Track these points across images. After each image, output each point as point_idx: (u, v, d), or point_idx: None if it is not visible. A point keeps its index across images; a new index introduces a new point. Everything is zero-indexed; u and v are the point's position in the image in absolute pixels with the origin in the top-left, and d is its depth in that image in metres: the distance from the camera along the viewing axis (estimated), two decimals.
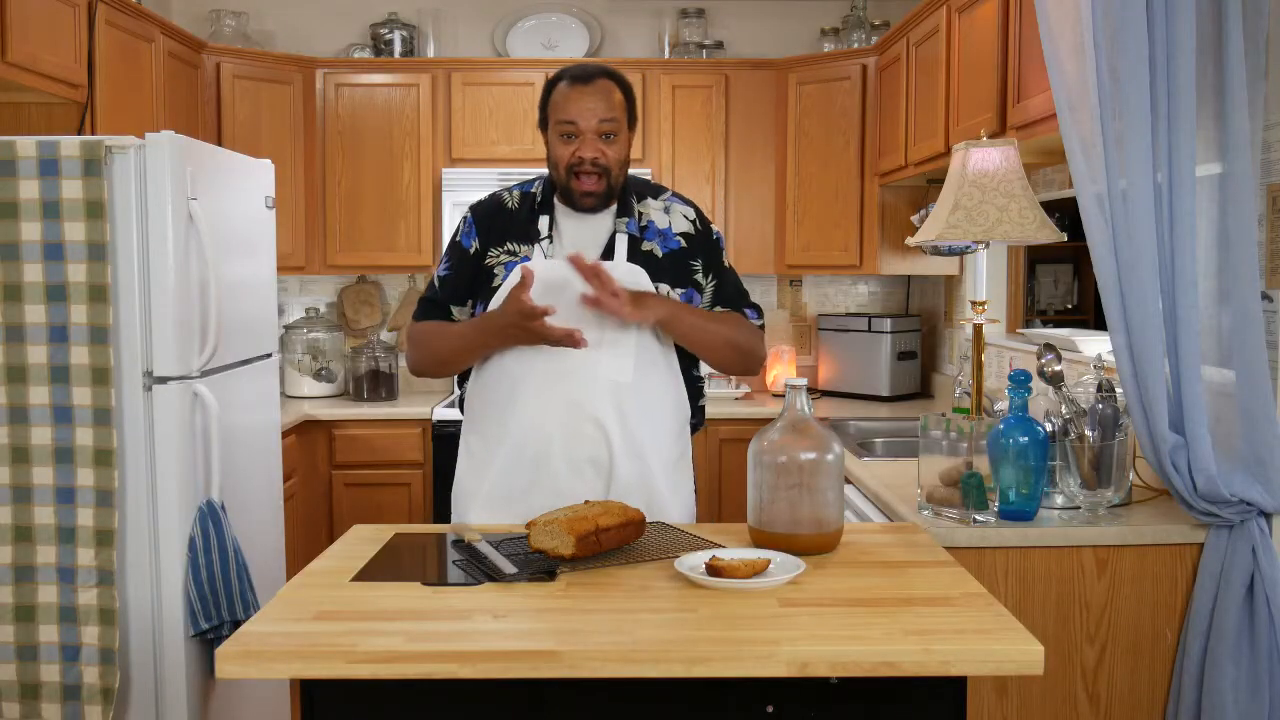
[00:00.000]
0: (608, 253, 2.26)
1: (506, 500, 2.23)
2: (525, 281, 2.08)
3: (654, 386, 2.25)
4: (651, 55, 4.82)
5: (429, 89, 4.50)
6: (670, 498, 2.27)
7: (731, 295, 2.36)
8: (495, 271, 2.27)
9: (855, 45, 4.52)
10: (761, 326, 2.39)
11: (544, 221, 2.28)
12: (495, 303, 2.22)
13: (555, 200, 2.30)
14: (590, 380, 2.19)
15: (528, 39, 4.80)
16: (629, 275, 2.22)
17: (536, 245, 2.26)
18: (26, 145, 2.53)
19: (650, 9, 4.86)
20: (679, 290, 2.27)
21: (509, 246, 2.28)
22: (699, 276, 2.31)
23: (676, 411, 2.32)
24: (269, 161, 3.41)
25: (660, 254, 2.27)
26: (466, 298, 2.32)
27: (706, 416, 2.61)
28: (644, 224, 2.29)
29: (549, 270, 2.20)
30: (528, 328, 2.09)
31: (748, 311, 2.37)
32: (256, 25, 4.78)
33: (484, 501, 2.26)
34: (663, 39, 4.81)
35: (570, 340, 2.09)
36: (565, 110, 2.20)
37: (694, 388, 2.38)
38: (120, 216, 2.60)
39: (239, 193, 3.11)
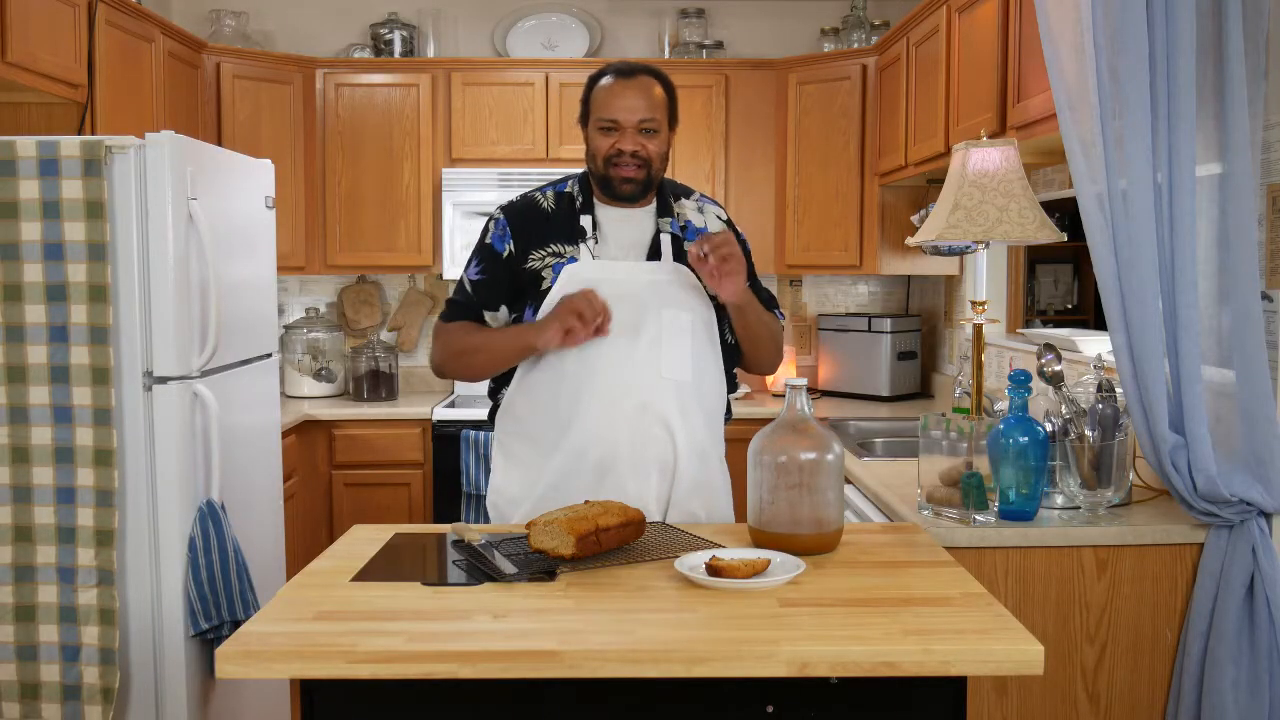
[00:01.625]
0: (654, 252, 2.25)
1: (560, 506, 2.15)
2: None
3: (708, 383, 2.26)
4: (651, 55, 4.82)
5: (429, 89, 4.50)
6: (724, 493, 2.32)
7: (765, 298, 2.39)
8: (543, 275, 2.23)
9: (855, 45, 4.52)
10: (782, 329, 2.45)
11: (587, 220, 2.26)
12: (547, 305, 2.19)
13: (595, 199, 2.28)
14: (655, 381, 2.18)
15: (528, 39, 4.80)
16: (675, 275, 2.23)
17: (582, 245, 2.23)
18: (26, 145, 2.53)
19: (650, 9, 4.85)
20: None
21: (552, 248, 2.24)
22: None
23: (723, 407, 2.35)
24: (269, 161, 3.41)
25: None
26: (502, 302, 2.28)
27: None
28: (682, 224, 2.30)
29: (594, 270, 2.21)
30: (571, 309, 2.08)
31: (778, 313, 2.42)
32: (256, 25, 4.78)
33: (533, 508, 2.20)
34: (663, 39, 4.81)
35: (600, 329, 2.10)
36: (607, 107, 2.19)
37: (730, 382, 2.39)
38: (120, 216, 2.60)
39: (239, 193, 3.11)
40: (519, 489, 2.27)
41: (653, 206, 2.30)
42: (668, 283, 2.22)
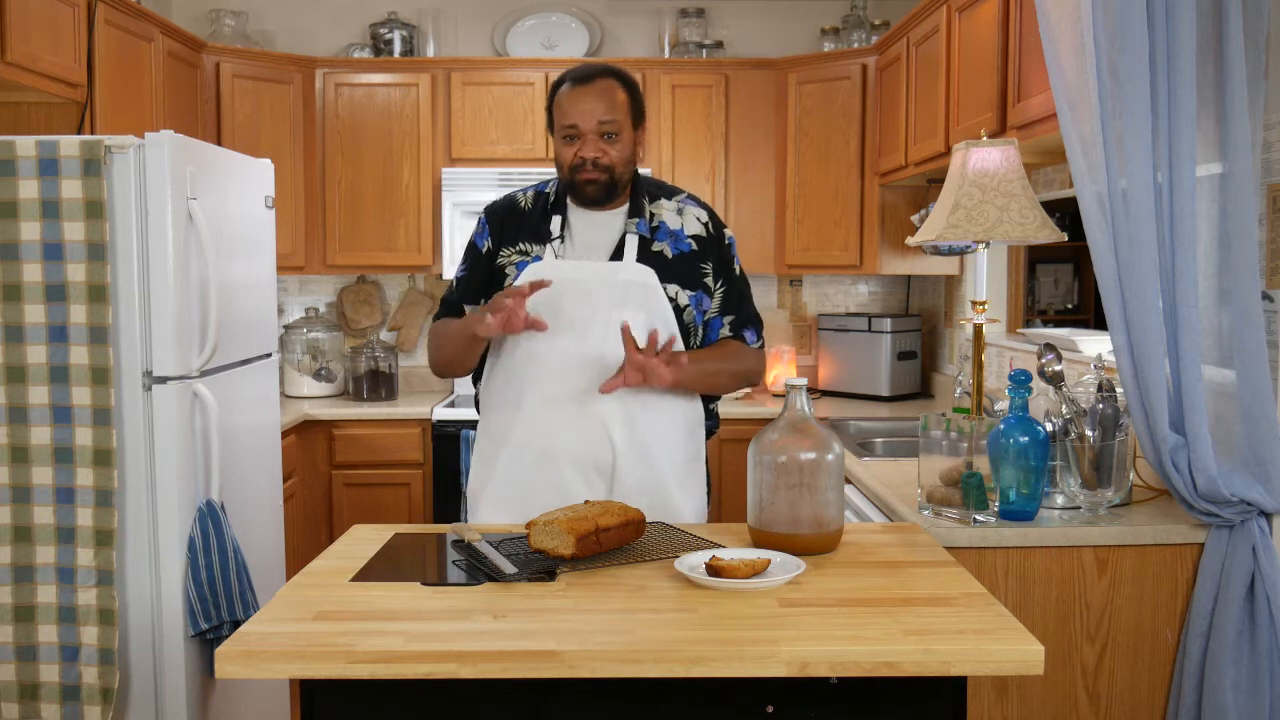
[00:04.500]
0: (618, 253, 2.26)
1: (509, 500, 2.25)
2: (534, 286, 2.09)
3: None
4: (651, 55, 4.82)
5: (429, 89, 4.49)
6: (682, 497, 2.27)
7: (735, 305, 2.34)
8: (507, 271, 2.28)
9: (855, 45, 4.52)
10: (761, 346, 2.39)
11: (556, 221, 2.29)
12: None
13: (568, 200, 2.31)
14: (597, 381, 2.19)
15: (528, 39, 4.80)
16: (637, 276, 2.22)
17: (548, 245, 2.27)
18: (26, 145, 2.53)
19: (650, 9, 4.85)
20: (688, 292, 2.27)
21: (521, 246, 2.29)
22: (709, 280, 2.31)
23: (687, 411, 2.31)
24: (269, 161, 3.41)
25: (670, 255, 2.27)
26: (481, 297, 2.33)
27: None
28: (655, 224, 2.29)
29: (556, 270, 2.23)
30: (499, 303, 2.09)
31: (747, 334, 2.36)
32: (256, 25, 4.78)
33: (489, 500, 2.28)
34: (663, 39, 4.81)
35: (536, 324, 2.10)
36: (566, 114, 2.21)
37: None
38: (120, 216, 2.60)
39: (239, 193, 3.11)
40: (480, 482, 2.32)
41: (625, 208, 2.30)
42: (627, 283, 2.22)
